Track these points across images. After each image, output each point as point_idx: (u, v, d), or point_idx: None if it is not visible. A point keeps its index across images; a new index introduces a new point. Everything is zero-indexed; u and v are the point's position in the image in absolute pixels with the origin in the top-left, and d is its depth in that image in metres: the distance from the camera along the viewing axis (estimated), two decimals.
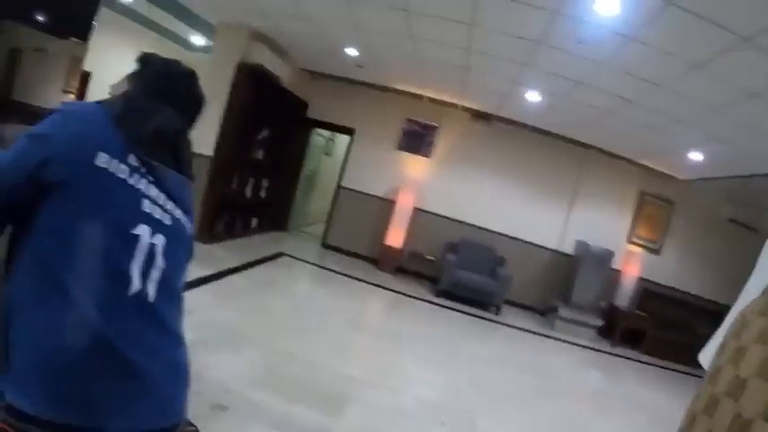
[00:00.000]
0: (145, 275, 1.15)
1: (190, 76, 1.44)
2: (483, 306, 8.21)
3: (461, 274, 8.11)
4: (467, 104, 8.84)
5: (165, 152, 1.27)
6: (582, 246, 8.62)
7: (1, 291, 1.08)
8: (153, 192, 1.22)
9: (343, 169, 9.82)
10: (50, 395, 1.02)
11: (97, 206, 1.12)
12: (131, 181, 1.17)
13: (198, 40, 9.41)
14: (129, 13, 8.28)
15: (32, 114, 3.64)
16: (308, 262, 8.35)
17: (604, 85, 5.68)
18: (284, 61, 8.36)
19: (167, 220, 1.24)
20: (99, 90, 5.07)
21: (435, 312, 7.40)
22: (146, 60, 1.39)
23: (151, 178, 1.22)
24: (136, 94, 1.32)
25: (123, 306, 1.11)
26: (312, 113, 9.93)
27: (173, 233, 1.25)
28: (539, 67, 5.77)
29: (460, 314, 7.60)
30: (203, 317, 4.42)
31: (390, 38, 6.19)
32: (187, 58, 9.97)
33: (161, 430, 1.15)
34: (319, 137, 11.30)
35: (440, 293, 8.24)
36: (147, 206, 1.19)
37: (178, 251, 1.27)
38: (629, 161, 8.86)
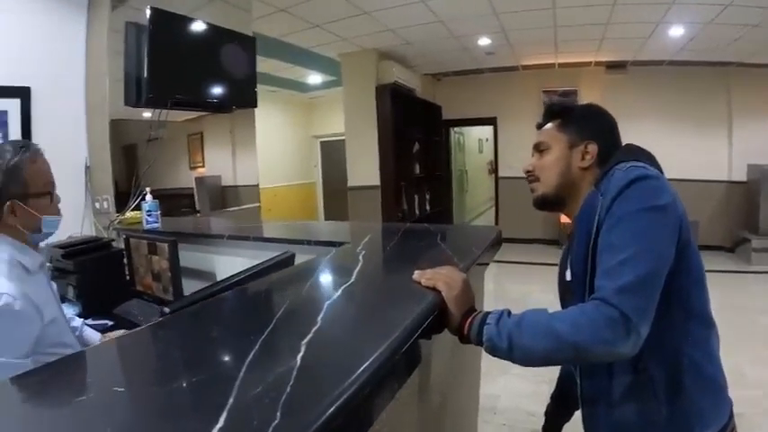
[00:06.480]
0: None
1: None
2: None
3: None
4: (601, 59, 8.72)
5: None
6: (756, 169, 8.11)
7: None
8: None
9: (496, 158, 10.00)
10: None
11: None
12: None
13: (314, 79, 9.74)
14: None
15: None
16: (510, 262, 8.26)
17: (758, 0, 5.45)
18: (413, 72, 8.66)
19: None
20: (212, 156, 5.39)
21: None
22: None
23: None
24: None
25: None
26: (447, 114, 10.12)
27: None
28: (687, 1, 5.64)
29: None
30: None
31: (530, 14, 6.24)
32: (304, 100, 10.49)
33: None
34: (458, 135, 11.58)
35: None
36: None
37: None
38: None
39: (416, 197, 8.81)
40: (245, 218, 5.02)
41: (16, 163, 1.60)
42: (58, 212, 1.75)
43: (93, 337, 2.37)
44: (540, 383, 3.64)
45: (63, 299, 2.42)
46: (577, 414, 1.51)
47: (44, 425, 0.75)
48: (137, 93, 3.17)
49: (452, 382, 1.94)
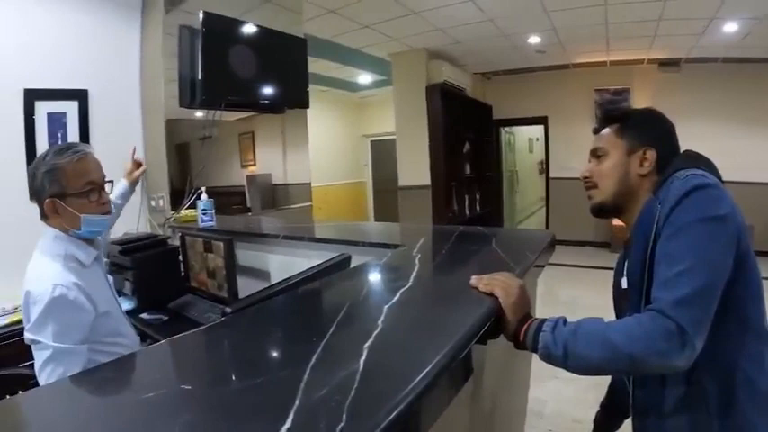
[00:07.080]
0: None
1: None
2: None
3: None
4: (654, 56, 8.45)
5: None
6: None
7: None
8: None
9: (547, 158, 9.84)
10: None
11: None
12: None
13: (364, 78, 9.76)
14: None
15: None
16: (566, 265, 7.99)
17: None
18: (463, 71, 8.62)
19: None
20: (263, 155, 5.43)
21: None
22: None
23: None
24: None
25: None
26: (497, 114, 10.02)
27: None
28: None
29: None
30: None
31: (581, 11, 6.13)
32: (355, 100, 10.54)
33: None
34: (508, 134, 11.47)
35: None
36: None
37: None
38: None
39: (467, 197, 8.74)
40: (297, 217, 5.05)
41: (53, 163, 1.67)
42: (105, 211, 1.79)
43: (119, 186, 2.51)
44: (587, 390, 3.56)
45: (119, 293, 2.50)
46: (627, 423, 1.50)
47: (115, 420, 0.77)
48: (191, 94, 3.24)
49: (503, 386, 1.94)
